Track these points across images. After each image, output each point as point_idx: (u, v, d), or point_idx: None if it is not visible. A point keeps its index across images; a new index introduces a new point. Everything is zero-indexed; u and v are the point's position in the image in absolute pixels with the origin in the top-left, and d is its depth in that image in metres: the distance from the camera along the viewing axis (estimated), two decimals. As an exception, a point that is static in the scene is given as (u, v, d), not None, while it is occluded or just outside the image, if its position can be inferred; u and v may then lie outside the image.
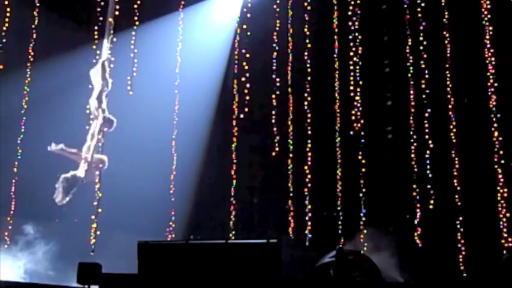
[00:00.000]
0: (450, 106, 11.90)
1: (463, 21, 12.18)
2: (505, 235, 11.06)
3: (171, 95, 12.02)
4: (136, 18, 12.02)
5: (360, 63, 12.31)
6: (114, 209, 11.27)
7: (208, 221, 12.68)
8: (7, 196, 11.07)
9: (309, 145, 12.12)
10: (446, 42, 12.04)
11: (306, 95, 12.25)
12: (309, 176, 11.95)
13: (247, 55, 12.38)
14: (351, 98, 12.22)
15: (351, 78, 12.26)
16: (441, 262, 11.28)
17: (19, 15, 11.58)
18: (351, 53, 12.31)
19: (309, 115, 12.20)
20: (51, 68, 11.81)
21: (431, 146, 11.79)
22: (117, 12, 11.96)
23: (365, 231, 11.48)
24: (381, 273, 8.18)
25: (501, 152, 11.40)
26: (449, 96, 11.94)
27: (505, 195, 11.25)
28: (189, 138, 12.33)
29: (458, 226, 11.38)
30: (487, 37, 11.77)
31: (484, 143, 11.63)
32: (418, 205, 11.62)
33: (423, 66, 12.01)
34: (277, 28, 12.33)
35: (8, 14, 11.37)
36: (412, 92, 12.06)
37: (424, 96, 11.92)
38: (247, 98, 12.27)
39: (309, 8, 12.43)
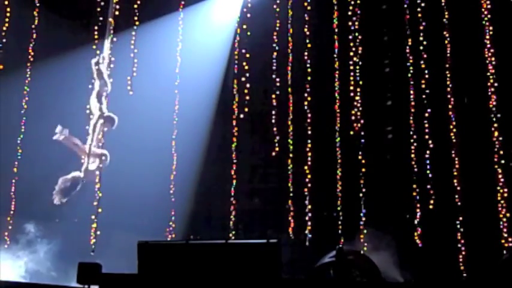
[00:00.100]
0: (450, 106, 11.89)
1: (463, 21, 12.17)
2: (505, 235, 11.06)
3: (171, 95, 12.02)
4: (136, 18, 12.02)
5: (360, 63, 12.30)
6: (114, 209, 11.28)
7: (208, 221, 12.68)
8: (7, 196, 11.07)
9: (309, 145, 12.12)
10: (446, 42, 12.03)
11: (306, 95, 12.25)
12: (309, 176, 11.95)
13: (247, 55, 12.37)
14: (351, 98, 12.21)
15: (351, 78, 12.25)
16: (441, 262, 11.28)
17: (19, 15, 11.58)
18: (351, 53, 12.31)
19: (309, 115, 12.20)
20: (51, 68, 11.82)
21: (431, 146, 11.78)
22: (117, 12, 11.96)
23: (365, 231, 11.47)
24: (381, 273, 8.20)
25: (501, 152, 11.40)
26: (449, 96, 11.94)
27: (505, 195, 11.24)
28: (189, 138, 12.33)
29: (458, 226, 11.37)
30: (487, 37, 11.76)
31: (484, 143, 11.63)
32: (418, 205, 11.61)
33: (423, 66, 12.01)
34: (277, 28, 12.32)
35: (8, 14, 11.37)
36: (412, 92, 12.05)
37: (424, 96, 11.92)
38: (247, 98, 12.27)
39: (309, 8, 12.43)
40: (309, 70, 12.36)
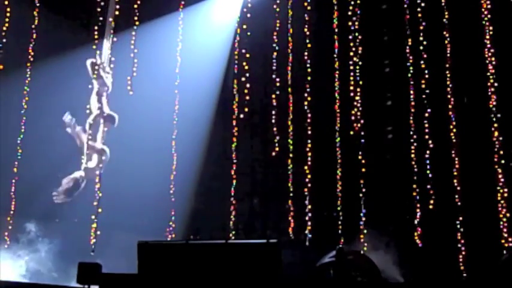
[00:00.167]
0: (450, 106, 11.89)
1: (463, 21, 12.18)
2: (505, 235, 11.06)
3: (171, 95, 12.02)
4: (136, 18, 12.02)
5: (360, 63, 12.30)
6: (114, 209, 11.28)
7: (208, 221, 12.67)
8: (7, 196, 11.07)
9: (309, 145, 12.12)
10: (446, 42, 12.03)
11: (306, 95, 12.24)
12: (309, 176, 11.95)
13: (247, 55, 12.37)
14: (351, 98, 12.21)
15: (351, 78, 12.25)
16: (441, 262, 11.28)
17: (19, 15, 11.58)
18: (351, 53, 12.31)
19: (309, 115, 12.19)
20: (51, 68, 11.82)
21: (431, 146, 11.78)
22: (117, 12, 11.96)
23: (365, 231, 11.47)
24: (381, 273, 8.20)
25: (501, 152, 11.40)
26: (449, 96, 11.94)
27: (505, 195, 11.24)
28: (189, 138, 12.33)
29: (458, 226, 11.37)
30: (487, 37, 11.76)
31: (484, 143, 11.63)
32: (418, 205, 11.61)
33: (423, 66, 12.01)
34: (277, 28, 12.32)
35: (8, 14, 11.37)
36: (412, 92, 12.05)
37: (424, 96, 11.92)
38: (247, 98, 12.27)
39: (309, 8, 12.43)
40: (309, 70, 12.36)
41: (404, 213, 11.98)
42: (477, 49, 11.83)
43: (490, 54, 11.71)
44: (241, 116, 12.31)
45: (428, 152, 11.76)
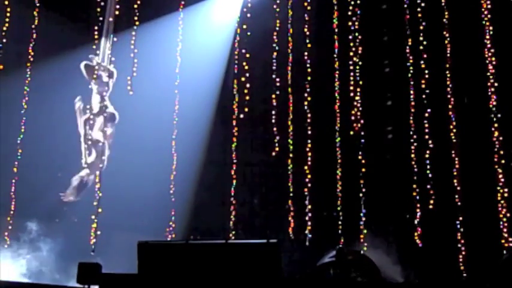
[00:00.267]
0: (450, 106, 11.90)
1: (463, 21, 12.17)
2: (505, 235, 11.06)
3: (171, 95, 12.02)
4: (136, 18, 12.02)
5: (360, 63, 12.30)
6: (114, 209, 11.28)
7: (208, 221, 12.67)
8: (7, 196, 11.07)
9: (309, 145, 12.12)
10: (446, 42, 12.03)
11: (306, 95, 12.24)
12: (309, 176, 11.95)
13: (247, 55, 12.37)
14: (351, 98, 12.21)
15: (351, 78, 12.25)
16: (441, 262, 11.28)
17: (19, 15, 11.58)
18: (351, 53, 12.31)
19: (309, 115, 12.19)
20: (51, 67, 11.82)
21: (431, 146, 11.78)
22: (117, 12, 11.96)
23: (365, 231, 11.48)
24: (381, 273, 8.20)
25: (501, 152, 11.40)
26: (449, 96, 11.94)
27: (505, 195, 11.24)
28: (189, 138, 12.33)
29: (458, 226, 11.37)
30: (487, 37, 11.76)
31: (484, 143, 11.63)
32: (418, 205, 11.61)
33: (423, 66, 12.01)
34: (277, 28, 12.32)
35: (8, 14, 11.37)
36: (412, 92, 12.05)
37: (424, 96, 11.92)
38: (247, 98, 12.26)
39: (309, 8, 12.43)
40: (309, 70, 12.36)
41: (404, 213, 11.98)
42: (477, 49, 11.83)
43: (490, 54, 11.70)
44: (241, 116, 12.31)
45: (428, 152, 11.76)
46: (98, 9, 11.89)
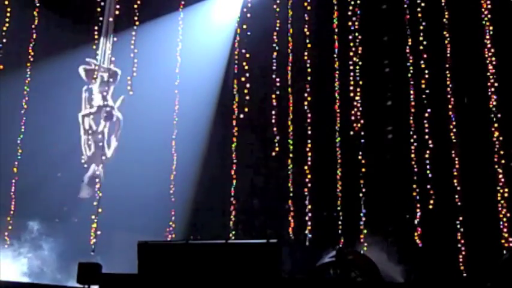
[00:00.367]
0: (450, 106, 11.90)
1: (463, 21, 12.18)
2: (505, 235, 11.06)
3: (171, 95, 12.02)
4: (136, 18, 12.01)
5: (360, 63, 12.30)
6: (114, 209, 11.27)
7: (208, 221, 12.67)
8: (7, 196, 11.07)
9: (309, 145, 12.12)
10: (446, 42, 12.04)
11: (306, 95, 12.24)
12: (309, 176, 11.95)
13: (247, 55, 12.37)
14: (351, 98, 12.21)
15: (351, 78, 12.25)
16: (441, 262, 11.28)
17: (19, 15, 11.58)
18: (351, 53, 12.31)
19: (309, 115, 12.19)
20: (51, 67, 11.82)
21: (431, 146, 11.78)
22: (117, 12, 11.95)
23: (365, 231, 11.47)
24: (381, 273, 8.18)
25: (501, 152, 11.40)
26: (449, 96, 11.94)
27: (505, 195, 11.25)
28: (189, 138, 12.33)
29: (458, 226, 11.37)
30: (487, 37, 11.76)
31: (484, 143, 11.63)
32: (418, 205, 11.61)
33: (423, 66, 12.01)
34: (277, 28, 12.32)
35: (8, 14, 11.37)
36: (412, 92, 12.05)
37: (424, 96, 11.92)
38: (247, 98, 12.26)
39: (309, 8, 12.43)
40: (309, 70, 12.36)
41: (404, 213, 11.98)
42: (477, 49, 11.83)
43: (490, 54, 11.71)
44: (241, 116, 12.31)
45: (428, 152, 11.76)
46: (98, 9, 11.88)
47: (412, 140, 11.84)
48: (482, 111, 11.74)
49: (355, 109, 12.13)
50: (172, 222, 11.81)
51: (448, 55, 12.01)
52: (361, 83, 12.23)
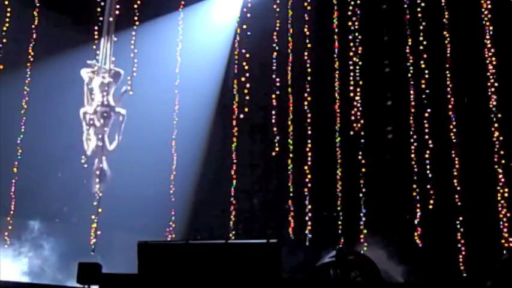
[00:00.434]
0: (450, 106, 11.90)
1: (463, 21, 12.17)
2: (505, 235, 11.06)
3: (171, 95, 12.02)
4: (136, 18, 12.01)
5: (360, 63, 12.30)
6: (114, 209, 11.27)
7: (208, 221, 12.67)
8: (7, 196, 11.07)
9: (309, 145, 12.12)
10: (446, 42, 12.03)
11: (306, 95, 12.24)
12: (309, 176, 11.95)
13: (247, 55, 12.37)
14: (351, 98, 12.21)
15: (351, 78, 12.25)
16: (441, 262, 11.28)
17: (19, 15, 11.58)
18: (351, 53, 12.31)
19: (309, 115, 12.19)
20: (51, 67, 11.82)
21: (431, 146, 11.78)
22: (117, 12, 11.95)
23: (365, 231, 11.47)
24: (381, 273, 8.18)
25: (501, 152, 11.40)
26: (449, 96, 11.94)
27: (505, 195, 11.24)
28: (189, 138, 12.33)
29: (458, 226, 11.37)
30: (487, 37, 11.76)
31: (484, 143, 11.63)
32: (418, 205, 11.61)
33: (423, 66, 12.01)
34: (277, 28, 12.32)
35: (8, 14, 11.37)
36: (412, 92, 12.05)
37: (424, 96, 11.92)
38: (247, 98, 12.26)
39: (309, 8, 12.43)
40: (309, 70, 12.36)
41: (404, 213, 11.98)
42: (477, 49, 11.83)
43: (490, 54, 11.70)
44: (241, 116, 12.31)
45: (428, 152, 11.76)
46: (98, 9, 11.88)
47: (412, 140, 11.84)
48: (482, 111, 11.73)
49: (355, 109, 12.13)
50: (172, 222, 11.81)
51: (448, 55, 12.01)
52: (361, 83, 12.23)
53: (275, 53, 12.33)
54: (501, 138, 11.43)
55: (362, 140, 12.02)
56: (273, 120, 12.34)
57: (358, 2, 12.35)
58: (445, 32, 12.03)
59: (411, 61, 12.12)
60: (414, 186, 11.66)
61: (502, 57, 11.71)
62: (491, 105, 11.56)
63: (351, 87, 12.22)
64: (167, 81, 12.06)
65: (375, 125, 12.65)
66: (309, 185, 11.92)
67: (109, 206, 11.23)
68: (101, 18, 11.91)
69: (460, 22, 12.14)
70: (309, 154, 12.06)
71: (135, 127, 12.03)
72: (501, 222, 11.15)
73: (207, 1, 13.17)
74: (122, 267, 6.16)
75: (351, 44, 12.31)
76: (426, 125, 11.81)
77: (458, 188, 11.53)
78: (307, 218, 11.82)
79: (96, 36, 11.92)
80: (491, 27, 11.75)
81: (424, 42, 12.06)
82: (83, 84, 11.84)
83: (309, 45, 12.39)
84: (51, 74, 11.71)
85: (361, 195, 11.72)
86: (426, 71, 11.97)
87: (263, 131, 13.02)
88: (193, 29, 12.67)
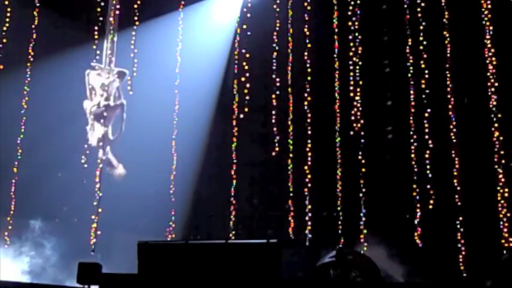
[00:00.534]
0: (450, 106, 11.89)
1: (463, 21, 12.17)
2: (505, 235, 11.06)
3: (171, 95, 12.02)
4: (136, 18, 12.02)
5: (360, 63, 12.30)
6: (114, 209, 11.28)
7: (208, 221, 12.68)
8: (7, 196, 11.07)
9: (309, 145, 12.12)
10: (446, 42, 12.03)
11: (306, 95, 12.24)
12: (309, 176, 11.95)
13: (247, 55, 12.37)
14: (351, 98, 12.21)
15: (351, 78, 12.25)
16: (441, 262, 11.27)
17: (19, 15, 11.58)
18: (351, 53, 12.31)
19: (309, 115, 12.19)
20: (51, 67, 11.82)
21: (431, 146, 11.78)
22: (117, 12, 11.96)
23: (365, 231, 11.47)
24: (381, 272, 8.18)
25: (501, 152, 11.40)
26: (449, 96, 11.94)
27: (505, 195, 11.24)
28: (189, 138, 12.33)
29: (458, 226, 11.37)
30: (487, 37, 11.76)
31: (484, 143, 11.63)
32: (418, 205, 11.61)
33: (423, 66, 12.01)
34: (277, 28, 12.32)
35: (8, 14, 11.37)
36: (412, 92, 12.05)
37: (424, 96, 11.92)
38: (247, 98, 12.26)
39: (309, 8, 12.43)
40: (309, 70, 12.36)
41: (404, 213, 11.98)
42: (477, 49, 11.83)
43: (490, 54, 11.70)
44: (241, 116, 12.31)
45: (428, 152, 11.76)
46: (98, 9, 11.88)
47: (412, 140, 11.84)
48: (482, 111, 11.73)
49: (355, 109, 12.13)
50: (172, 222, 11.81)
51: (448, 55, 12.00)
52: (361, 83, 12.22)
53: (275, 53, 12.33)
54: (501, 138, 11.42)
55: (362, 140, 12.02)
56: (273, 120, 12.33)
57: (358, 2, 12.34)
58: (445, 32, 12.03)
59: (411, 61, 12.12)
60: (414, 186, 11.65)
61: (502, 57, 11.71)
62: (491, 105, 11.56)
63: (351, 87, 12.22)
64: (167, 81, 12.07)
65: (375, 125, 12.65)
66: (309, 185, 11.91)
67: (109, 206, 11.24)
68: (101, 18, 11.92)
69: (460, 22, 12.13)
70: (309, 154, 12.06)
71: (135, 127, 12.04)
72: (501, 222, 11.14)
73: (207, 1, 13.18)
74: (122, 267, 6.17)
75: (351, 44, 12.31)
76: (426, 125, 11.80)
77: (458, 188, 11.52)
78: (307, 218, 11.82)
79: (96, 36, 11.94)
80: (491, 27, 11.74)
81: (424, 42, 12.05)
82: (85, 82, 11.89)
83: (309, 45, 12.39)
84: (51, 73, 11.70)
85: (361, 195, 11.71)
86: (426, 71, 11.96)
87: (263, 131, 13.01)
88: (193, 29, 12.67)
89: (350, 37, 12.33)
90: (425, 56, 12.03)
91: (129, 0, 12.02)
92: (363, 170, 11.83)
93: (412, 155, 11.78)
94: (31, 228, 11.11)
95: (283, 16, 12.36)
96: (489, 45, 11.71)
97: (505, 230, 11.08)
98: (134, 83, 11.90)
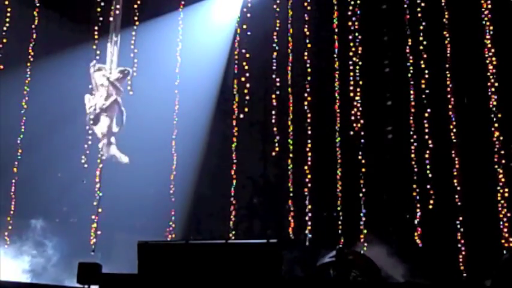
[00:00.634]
0: (450, 106, 11.89)
1: (463, 21, 12.17)
2: (505, 235, 11.06)
3: (171, 95, 12.02)
4: (136, 18, 12.02)
5: (360, 63, 12.30)
6: (114, 209, 11.28)
7: (208, 221, 12.67)
8: (7, 196, 11.08)
9: (309, 145, 12.11)
10: (446, 42, 12.03)
11: (306, 95, 12.24)
12: (309, 176, 11.95)
13: (247, 55, 12.37)
14: (351, 98, 12.21)
15: (351, 78, 12.25)
16: (441, 262, 11.27)
17: (19, 15, 11.58)
18: (351, 53, 12.31)
19: (309, 115, 12.19)
20: (51, 67, 11.82)
21: (431, 146, 11.78)
22: (117, 12, 11.96)
23: (365, 231, 11.47)
24: (381, 272, 8.19)
25: (501, 152, 11.40)
26: (449, 96, 11.94)
27: (505, 195, 11.24)
28: (189, 138, 12.33)
29: (458, 226, 11.37)
30: (487, 37, 11.76)
31: (484, 143, 11.63)
32: (418, 205, 11.61)
33: (423, 66, 12.01)
34: (277, 28, 12.32)
35: (8, 14, 11.37)
36: (412, 92, 12.05)
37: (424, 96, 11.92)
38: (247, 98, 12.26)
39: (309, 8, 12.43)
40: (309, 70, 12.36)
41: (404, 213, 11.98)
42: (477, 49, 11.83)
43: (490, 54, 11.70)
44: (241, 116, 12.31)
45: (428, 152, 11.76)
46: (98, 9, 11.89)
47: (412, 140, 11.84)
48: (482, 111, 11.73)
49: (355, 109, 12.13)
50: (172, 222, 11.81)
51: (448, 55, 12.01)
52: (361, 83, 12.22)
53: (275, 53, 12.33)
54: (501, 138, 11.43)
55: (362, 140, 12.02)
56: (273, 120, 12.33)
57: (358, 2, 12.34)
58: (445, 32, 12.03)
59: (411, 61, 12.12)
60: (414, 186, 11.65)
61: (502, 57, 11.71)
62: (491, 105, 11.56)
63: (351, 87, 12.22)
64: (167, 81, 12.07)
65: (375, 125, 12.65)
66: (309, 185, 11.91)
67: (109, 206, 11.24)
68: (101, 19, 11.92)
69: (460, 22, 12.13)
70: (309, 154, 12.06)
71: (135, 127, 12.04)
72: (501, 222, 11.15)
73: (207, 1, 13.17)
74: (122, 267, 6.17)
75: (351, 44, 12.31)
76: (426, 125, 11.81)
77: (458, 188, 11.52)
78: (307, 218, 11.82)
79: (96, 36, 11.94)
80: (491, 27, 11.74)
81: (424, 42, 12.05)
82: (87, 80, 11.92)
83: (309, 45, 12.38)
84: (51, 73, 11.71)
85: (361, 195, 11.71)
86: (426, 71, 11.97)
87: (263, 132, 13.00)
88: (193, 29, 12.67)
89: (350, 37, 12.33)
90: (425, 56, 12.03)
91: (129, 0, 12.01)
92: (363, 170, 11.83)
93: (412, 155, 11.78)
94: (31, 228, 11.10)
95: (283, 16, 12.36)
96: (489, 45, 11.71)
97: (505, 230, 11.08)
98: (134, 83, 11.89)
